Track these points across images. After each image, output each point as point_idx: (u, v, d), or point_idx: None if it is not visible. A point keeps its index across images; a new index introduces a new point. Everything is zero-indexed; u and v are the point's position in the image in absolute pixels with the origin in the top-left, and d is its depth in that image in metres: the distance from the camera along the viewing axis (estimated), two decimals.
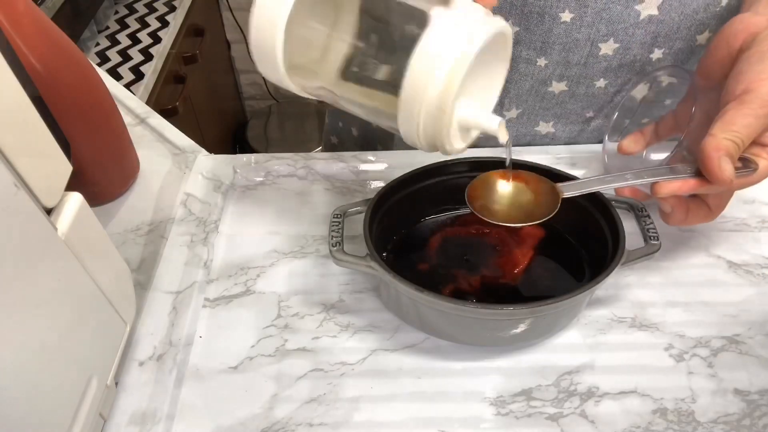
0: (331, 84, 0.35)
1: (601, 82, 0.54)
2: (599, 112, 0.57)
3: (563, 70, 0.53)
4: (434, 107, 0.31)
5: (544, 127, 0.59)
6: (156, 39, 1.20)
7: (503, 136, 0.34)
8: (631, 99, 0.52)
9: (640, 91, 0.52)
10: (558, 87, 0.54)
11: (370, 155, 0.57)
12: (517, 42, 0.51)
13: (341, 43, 0.33)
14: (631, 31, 0.50)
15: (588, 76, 0.53)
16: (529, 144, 0.60)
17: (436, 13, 0.30)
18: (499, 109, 0.57)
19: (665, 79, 0.50)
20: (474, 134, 0.36)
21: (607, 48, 0.51)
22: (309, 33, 0.34)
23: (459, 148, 0.35)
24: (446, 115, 0.31)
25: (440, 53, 0.30)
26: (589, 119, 0.58)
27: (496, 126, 0.34)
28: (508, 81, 0.54)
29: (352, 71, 0.34)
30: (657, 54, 0.52)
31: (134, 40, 1.19)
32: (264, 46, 0.33)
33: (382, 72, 0.33)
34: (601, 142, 0.59)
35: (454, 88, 0.30)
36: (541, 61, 0.52)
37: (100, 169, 0.50)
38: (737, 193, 0.42)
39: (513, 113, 0.57)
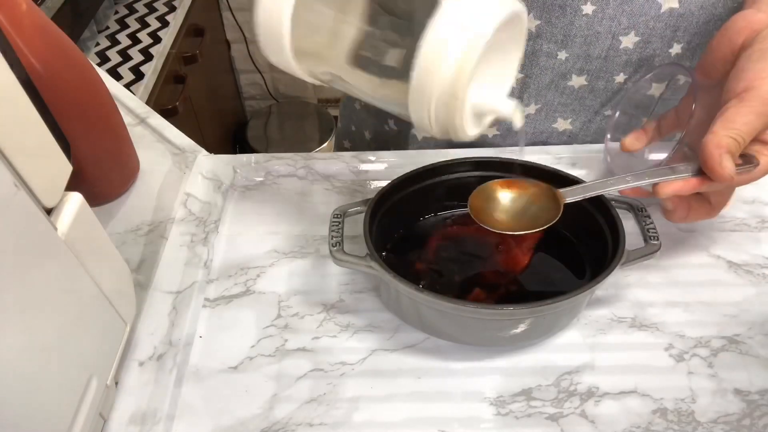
0: (339, 69, 0.33)
1: (620, 77, 0.54)
2: (617, 109, 0.58)
3: (584, 64, 0.53)
4: (446, 93, 0.29)
5: (562, 124, 0.59)
6: (156, 39, 1.20)
7: (518, 121, 0.33)
8: (634, 95, 0.52)
9: (657, 88, 0.52)
10: (578, 81, 0.55)
11: (370, 155, 0.57)
12: (538, 35, 0.52)
13: (349, 26, 0.32)
14: (652, 24, 0.50)
15: (608, 70, 0.54)
16: (545, 142, 0.60)
17: None
18: (519, 104, 0.57)
19: (682, 78, 0.50)
20: (488, 120, 0.34)
21: (628, 41, 0.51)
22: (317, 16, 0.33)
23: (472, 134, 0.33)
24: (459, 101, 0.29)
25: (452, 36, 0.28)
26: (608, 118, 0.58)
27: (510, 110, 0.32)
28: (528, 76, 0.54)
29: (361, 56, 0.32)
30: (676, 49, 0.52)
31: (134, 40, 1.19)
32: (271, 27, 0.32)
33: (392, 57, 0.31)
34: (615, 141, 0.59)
35: (467, 73, 0.28)
36: (562, 55, 0.52)
37: (100, 169, 0.50)
38: (737, 193, 0.42)
39: (532, 109, 0.57)
